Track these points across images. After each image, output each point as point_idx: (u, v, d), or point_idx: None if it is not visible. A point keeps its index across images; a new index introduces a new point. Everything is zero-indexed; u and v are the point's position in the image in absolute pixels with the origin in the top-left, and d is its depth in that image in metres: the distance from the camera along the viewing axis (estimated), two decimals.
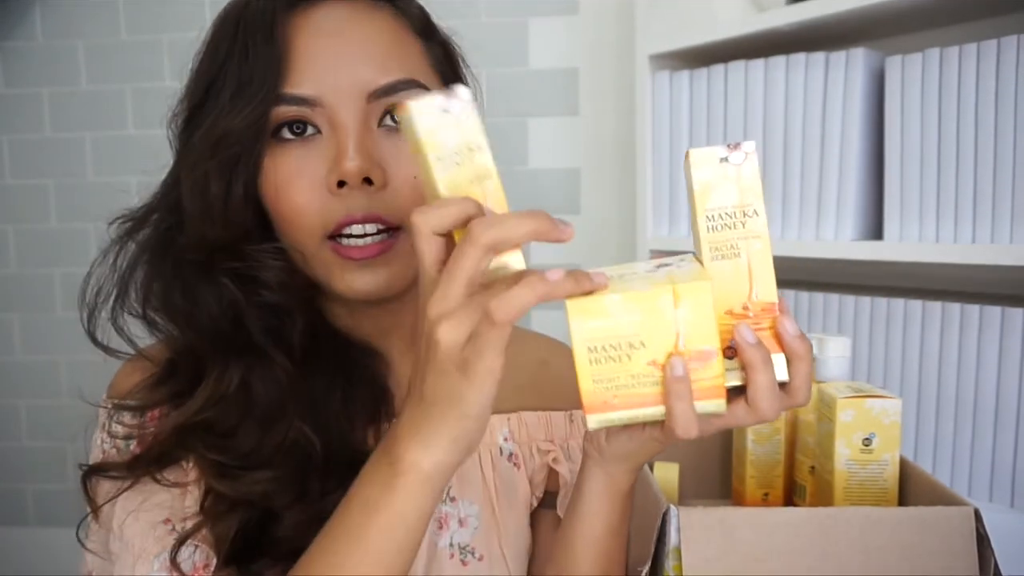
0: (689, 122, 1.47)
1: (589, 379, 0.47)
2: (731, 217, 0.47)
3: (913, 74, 1.19)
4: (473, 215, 0.45)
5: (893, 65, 1.21)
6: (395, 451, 0.49)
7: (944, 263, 1.18)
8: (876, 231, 1.30)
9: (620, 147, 1.83)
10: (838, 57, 1.26)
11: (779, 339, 0.48)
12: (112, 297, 0.67)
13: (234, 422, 0.62)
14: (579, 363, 0.46)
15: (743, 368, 0.47)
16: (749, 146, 0.47)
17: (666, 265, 0.50)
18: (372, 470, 0.52)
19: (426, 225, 0.45)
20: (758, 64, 1.35)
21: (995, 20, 1.26)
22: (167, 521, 0.62)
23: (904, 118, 1.20)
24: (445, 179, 0.46)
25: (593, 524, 0.56)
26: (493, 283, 0.44)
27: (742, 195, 0.47)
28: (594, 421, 0.47)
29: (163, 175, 0.68)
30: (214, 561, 0.59)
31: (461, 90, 0.46)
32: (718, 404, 0.46)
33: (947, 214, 1.17)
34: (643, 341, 0.45)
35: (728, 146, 0.47)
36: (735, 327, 0.46)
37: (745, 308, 0.47)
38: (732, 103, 1.39)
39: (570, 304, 0.45)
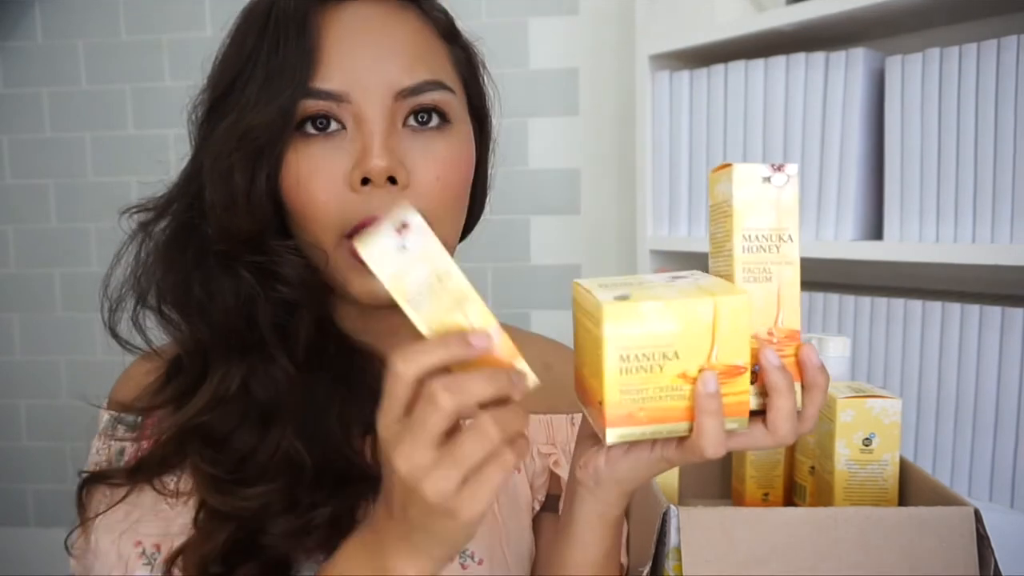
0: (689, 122, 1.47)
1: (616, 390, 0.44)
2: (767, 240, 0.46)
3: (913, 74, 1.19)
4: (458, 357, 0.45)
5: (893, 65, 1.21)
6: (382, 561, 0.50)
7: (944, 263, 1.18)
8: (876, 231, 1.30)
9: (620, 147, 1.83)
10: (838, 57, 1.26)
11: (799, 367, 0.47)
12: (134, 292, 0.66)
13: (231, 426, 0.62)
14: (608, 372, 0.44)
15: (761, 394, 0.47)
16: (792, 169, 0.46)
17: (681, 278, 0.49)
18: (357, 571, 0.52)
19: (410, 370, 0.45)
20: (758, 64, 1.35)
21: (995, 20, 1.26)
22: (137, 543, 0.63)
23: (904, 118, 1.20)
24: (424, 316, 0.45)
25: (587, 552, 0.55)
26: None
27: (780, 219, 0.46)
28: (614, 435, 0.45)
29: (161, 174, 0.67)
30: None
31: (411, 217, 0.45)
32: (740, 422, 0.46)
33: (947, 214, 1.17)
34: (677, 352, 0.44)
35: (771, 166, 0.46)
36: (760, 351, 0.45)
37: (770, 333, 0.46)
38: (732, 103, 1.39)
39: (607, 308, 0.43)
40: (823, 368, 0.47)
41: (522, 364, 0.46)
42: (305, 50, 0.60)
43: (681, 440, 0.47)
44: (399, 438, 0.45)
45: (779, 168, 0.46)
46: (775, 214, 0.46)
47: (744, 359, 0.44)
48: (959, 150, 1.15)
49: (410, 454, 0.44)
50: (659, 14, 1.54)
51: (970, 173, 1.14)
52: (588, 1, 1.83)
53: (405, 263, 0.45)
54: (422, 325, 0.45)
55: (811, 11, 1.26)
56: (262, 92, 0.60)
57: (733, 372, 0.44)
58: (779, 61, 1.32)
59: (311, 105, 0.61)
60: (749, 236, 0.46)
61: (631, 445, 0.49)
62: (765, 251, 0.46)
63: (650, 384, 0.44)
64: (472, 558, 0.68)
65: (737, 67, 1.38)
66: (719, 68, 1.40)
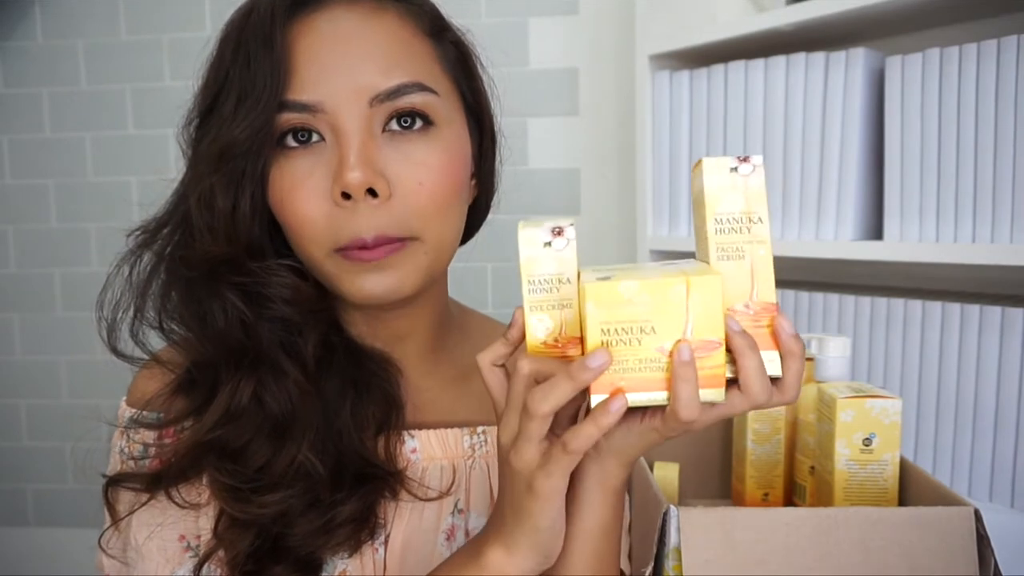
0: (689, 122, 1.47)
1: None
2: (738, 222, 0.50)
3: (913, 74, 1.19)
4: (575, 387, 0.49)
5: (893, 65, 1.21)
6: (483, 551, 0.56)
7: (944, 263, 1.18)
8: (876, 231, 1.30)
9: (620, 147, 1.83)
10: (838, 57, 1.26)
11: (775, 337, 0.50)
12: (130, 310, 0.66)
13: (246, 438, 0.62)
14: (591, 345, 0.48)
15: (734, 362, 0.50)
16: (757, 159, 0.50)
17: (670, 264, 0.53)
18: (462, 564, 0.57)
19: (543, 408, 0.49)
20: (758, 64, 1.35)
21: (995, 20, 1.26)
22: (182, 538, 0.63)
23: (904, 118, 1.20)
24: (532, 301, 0.52)
25: (585, 520, 0.57)
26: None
27: (748, 203, 0.50)
28: (598, 401, 0.49)
29: (158, 175, 0.67)
30: None
31: (567, 230, 0.52)
32: (717, 393, 0.48)
33: (947, 214, 1.17)
34: (654, 327, 0.47)
35: (738, 158, 0.50)
36: (726, 320, 0.49)
37: (746, 306, 0.50)
38: (732, 103, 1.39)
39: (589, 288, 0.47)
40: (797, 336, 0.50)
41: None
42: (276, 63, 0.59)
43: (664, 410, 0.50)
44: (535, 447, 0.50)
45: (745, 159, 0.50)
46: (744, 199, 0.50)
47: (718, 335, 0.47)
48: (959, 150, 1.15)
49: (522, 447, 0.50)
50: (659, 14, 1.54)
51: (970, 173, 1.14)
52: (588, 1, 1.83)
53: (545, 255, 0.52)
54: (529, 307, 0.52)
55: (811, 11, 1.26)
56: (237, 110, 0.59)
57: (708, 347, 0.47)
58: (779, 61, 1.32)
59: (287, 118, 0.60)
60: (720, 219, 0.50)
61: (623, 416, 0.52)
62: (737, 232, 0.50)
63: (629, 356, 0.48)
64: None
65: (737, 67, 1.38)
66: (719, 68, 1.40)
